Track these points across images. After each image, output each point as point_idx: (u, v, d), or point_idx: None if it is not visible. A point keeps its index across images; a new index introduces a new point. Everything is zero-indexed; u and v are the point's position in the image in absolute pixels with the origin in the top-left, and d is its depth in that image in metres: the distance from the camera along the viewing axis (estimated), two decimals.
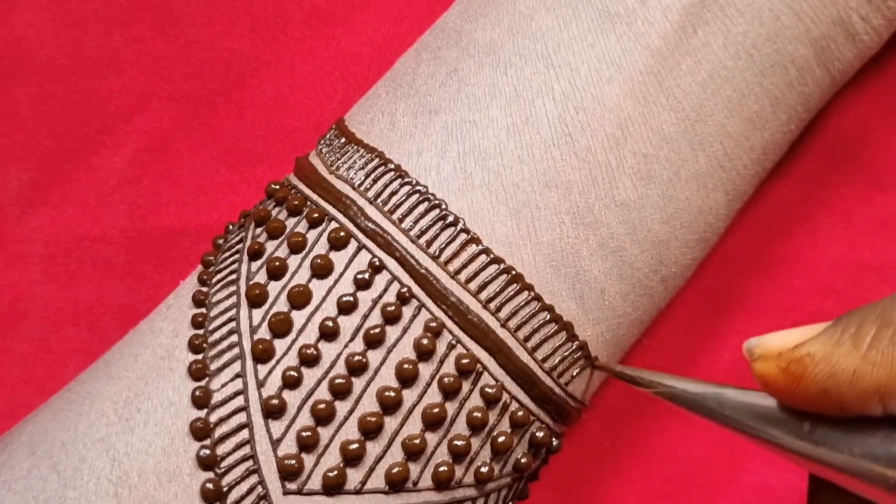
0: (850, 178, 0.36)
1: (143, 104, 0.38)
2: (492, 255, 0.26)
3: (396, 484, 0.25)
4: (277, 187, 0.29)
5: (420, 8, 0.38)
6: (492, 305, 0.26)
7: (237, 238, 0.29)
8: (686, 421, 0.35)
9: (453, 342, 0.26)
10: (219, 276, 0.28)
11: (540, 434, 0.27)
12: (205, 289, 0.28)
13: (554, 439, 0.28)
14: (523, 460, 0.27)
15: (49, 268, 0.38)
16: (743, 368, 0.36)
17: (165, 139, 0.38)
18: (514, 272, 0.26)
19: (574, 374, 0.27)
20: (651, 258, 0.28)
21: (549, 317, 0.27)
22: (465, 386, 0.26)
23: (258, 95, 0.38)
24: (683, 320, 0.36)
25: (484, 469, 0.26)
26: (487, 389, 0.26)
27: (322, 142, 0.30)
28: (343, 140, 0.29)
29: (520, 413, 0.26)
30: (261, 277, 0.27)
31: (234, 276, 0.28)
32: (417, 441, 0.25)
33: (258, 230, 0.28)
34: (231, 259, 0.28)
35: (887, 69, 0.36)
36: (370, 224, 0.27)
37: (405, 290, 0.26)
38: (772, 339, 0.22)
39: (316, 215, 0.27)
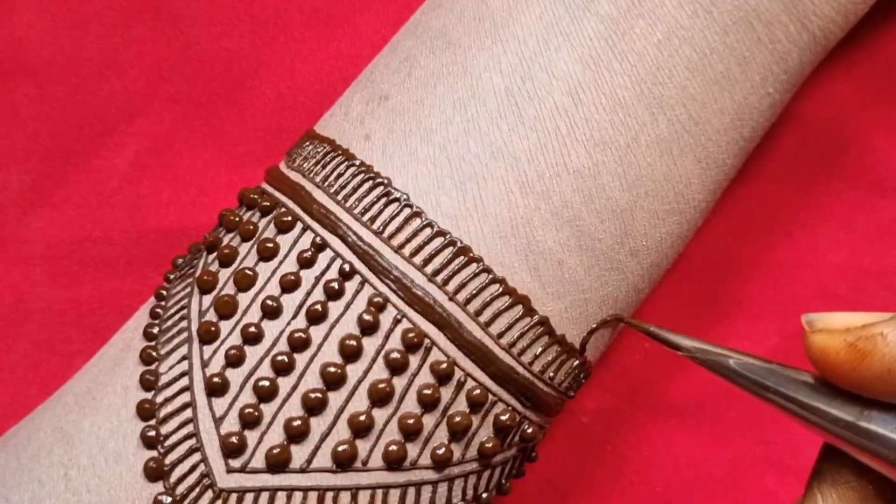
0: (852, 184, 0.36)
1: (143, 105, 0.38)
2: (436, 228, 0.26)
3: (344, 462, 0.25)
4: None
5: None
6: (438, 279, 0.26)
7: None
8: (687, 426, 0.35)
9: (398, 317, 0.26)
10: (180, 273, 0.29)
11: (504, 417, 0.26)
12: (167, 285, 0.29)
13: (527, 427, 0.27)
14: (488, 445, 0.26)
15: (50, 269, 0.38)
16: None
17: (166, 140, 0.38)
18: (459, 244, 0.26)
19: (538, 351, 0.27)
20: (614, 228, 0.27)
21: (501, 289, 0.26)
22: (414, 361, 0.26)
23: (258, 96, 0.38)
24: (685, 324, 0.36)
25: (441, 451, 0.26)
26: (437, 365, 0.26)
27: (292, 147, 0.31)
28: (304, 138, 0.30)
29: (476, 391, 0.26)
30: (213, 266, 0.28)
31: (192, 270, 0.28)
32: (363, 418, 0.25)
33: (220, 228, 0.29)
34: (194, 258, 0.29)
35: (889, 74, 0.36)
36: (316, 206, 0.27)
37: (347, 265, 0.26)
38: (836, 316, 0.22)
39: (267, 204, 0.28)
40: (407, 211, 0.26)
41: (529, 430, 0.27)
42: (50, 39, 0.38)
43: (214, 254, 0.28)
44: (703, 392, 0.36)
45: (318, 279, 0.26)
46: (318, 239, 0.26)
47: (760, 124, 0.29)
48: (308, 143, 0.29)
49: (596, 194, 0.27)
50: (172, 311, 0.28)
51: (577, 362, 0.28)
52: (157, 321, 0.28)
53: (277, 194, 0.28)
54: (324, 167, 0.28)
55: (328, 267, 0.26)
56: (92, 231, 0.38)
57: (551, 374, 0.27)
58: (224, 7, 0.38)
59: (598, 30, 0.26)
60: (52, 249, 0.38)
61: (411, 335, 0.26)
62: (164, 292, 0.29)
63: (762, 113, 0.29)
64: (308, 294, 0.26)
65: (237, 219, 0.28)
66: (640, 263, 0.28)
